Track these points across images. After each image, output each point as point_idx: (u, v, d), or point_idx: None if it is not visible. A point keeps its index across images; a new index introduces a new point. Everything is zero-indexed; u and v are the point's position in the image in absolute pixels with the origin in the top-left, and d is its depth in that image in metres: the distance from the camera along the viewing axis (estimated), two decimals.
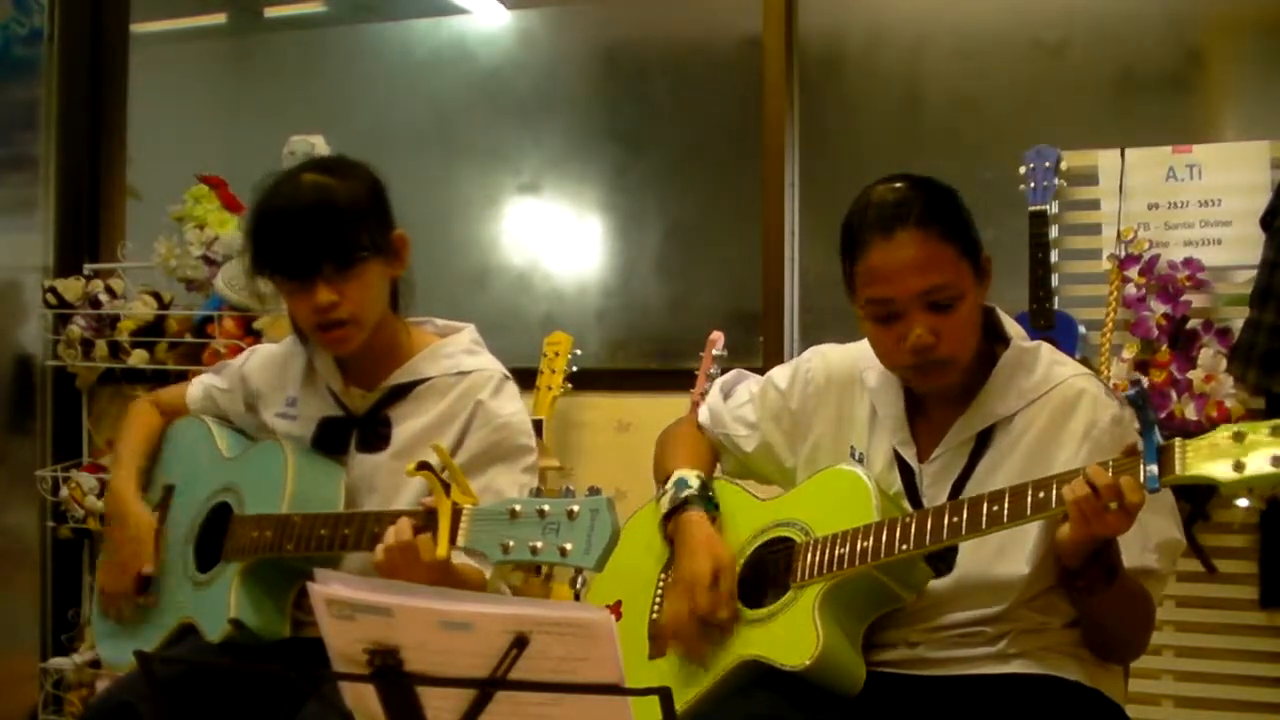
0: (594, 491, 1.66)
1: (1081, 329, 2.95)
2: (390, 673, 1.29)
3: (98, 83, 4.08)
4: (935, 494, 1.90)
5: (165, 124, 4.16)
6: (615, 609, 2.06)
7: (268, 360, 2.28)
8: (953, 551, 1.86)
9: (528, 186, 3.88)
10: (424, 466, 1.79)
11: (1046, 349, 1.96)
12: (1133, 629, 1.90)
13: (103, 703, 2.04)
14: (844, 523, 1.85)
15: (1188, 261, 2.88)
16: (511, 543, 1.69)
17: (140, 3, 4.16)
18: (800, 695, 1.81)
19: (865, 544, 1.82)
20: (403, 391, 2.14)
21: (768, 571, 1.94)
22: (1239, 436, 1.57)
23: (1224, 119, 3.30)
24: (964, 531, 1.76)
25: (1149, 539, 1.82)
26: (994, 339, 1.94)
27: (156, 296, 3.65)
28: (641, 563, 2.08)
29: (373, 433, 2.14)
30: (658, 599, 2.04)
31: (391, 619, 1.27)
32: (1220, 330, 2.83)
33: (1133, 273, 2.90)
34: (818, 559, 1.86)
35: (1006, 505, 1.72)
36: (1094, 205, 3.02)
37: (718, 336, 3.15)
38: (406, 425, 2.12)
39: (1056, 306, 2.96)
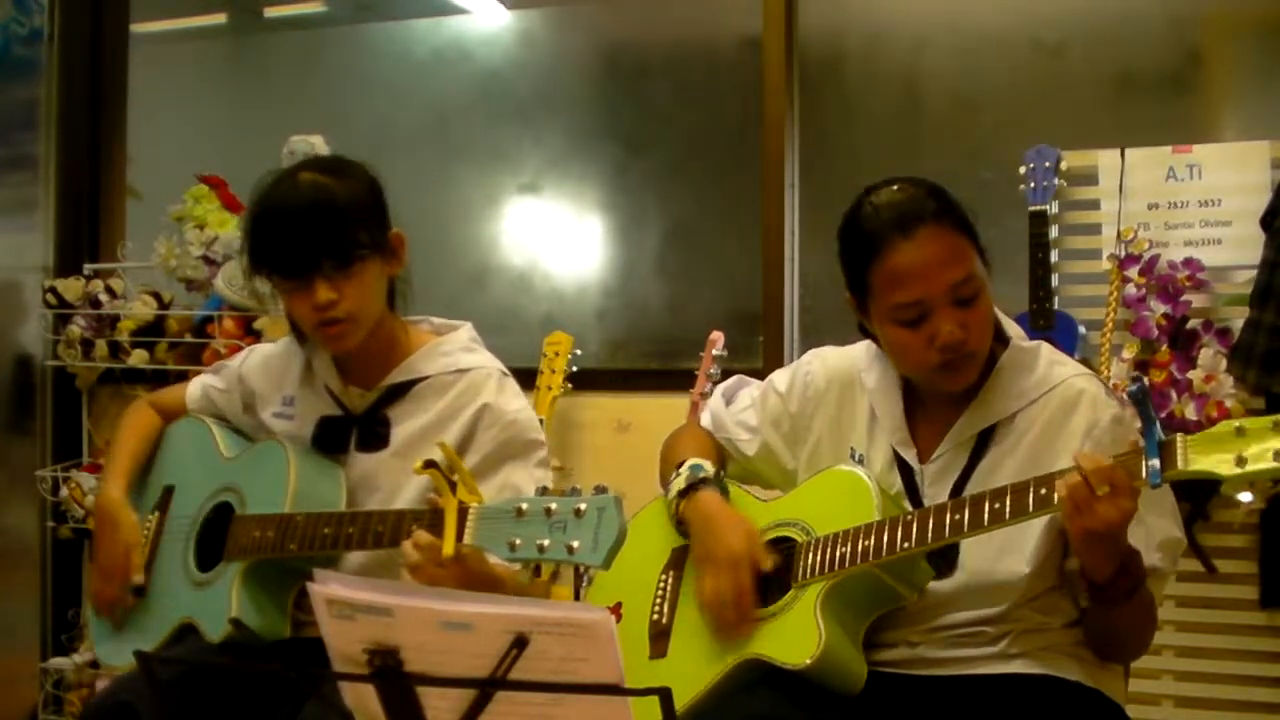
0: (600, 490, 1.66)
1: (1081, 329, 2.95)
2: (390, 673, 1.29)
3: (98, 83, 4.08)
4: (936, 494, 1.90)
5: (165, 124, 4.16)
6: (615, 610, 2.06)
7: (265, 360, 2.28)
8: (955, 553, 1.86)
9: (528, 186, 3.88)
10: (430, 465, 1.79)
11: (1046, 349, 1.96)
12: (1141, 632, 1.90)
13: (102, 702, 2.03)
14: (845, 522, 1.86)
15: (1188, 261, 2.88)
16: (518, 541, 1.69)
17: (140, 3, 4.16)
18: (801, 694, 1.80)
19: (867, 543, 1.82)
20: (401, 390, 2.14)
21: (769, 571, 1.94)
22: (1241, 431, 1.57)
23: (1224, 119, 3.30)
24: (966, 529, 1.76)
25: (1152, 537, 1.82)
26: (994, 339, 1.94)
27: (156, 296, 3.65)
28: (641, 564, 2.08)
29: (372, 432, 2.14)
30: (658, 599, 2.04)
31: (391, 619, 1.27)
32: (1220, 330, 2.84)
33: (1133, 273, 2.90)
34: (819, 558, 1.86)
35: (1008, 502, 1.72)
36: (1094, 205, 3.02)
37: (718, 336, 3.15)
38: (406, 424, 2.12)
39: (1056, 306, 2.96)
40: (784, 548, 1.94)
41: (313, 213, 2.01)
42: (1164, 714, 2.91)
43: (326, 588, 1.30)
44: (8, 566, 3.87)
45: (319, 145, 3.29)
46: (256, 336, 3.38)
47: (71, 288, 3.70)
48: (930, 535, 1.78)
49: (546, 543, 1.67)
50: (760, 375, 2.23)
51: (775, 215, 3.42)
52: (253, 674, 2.05)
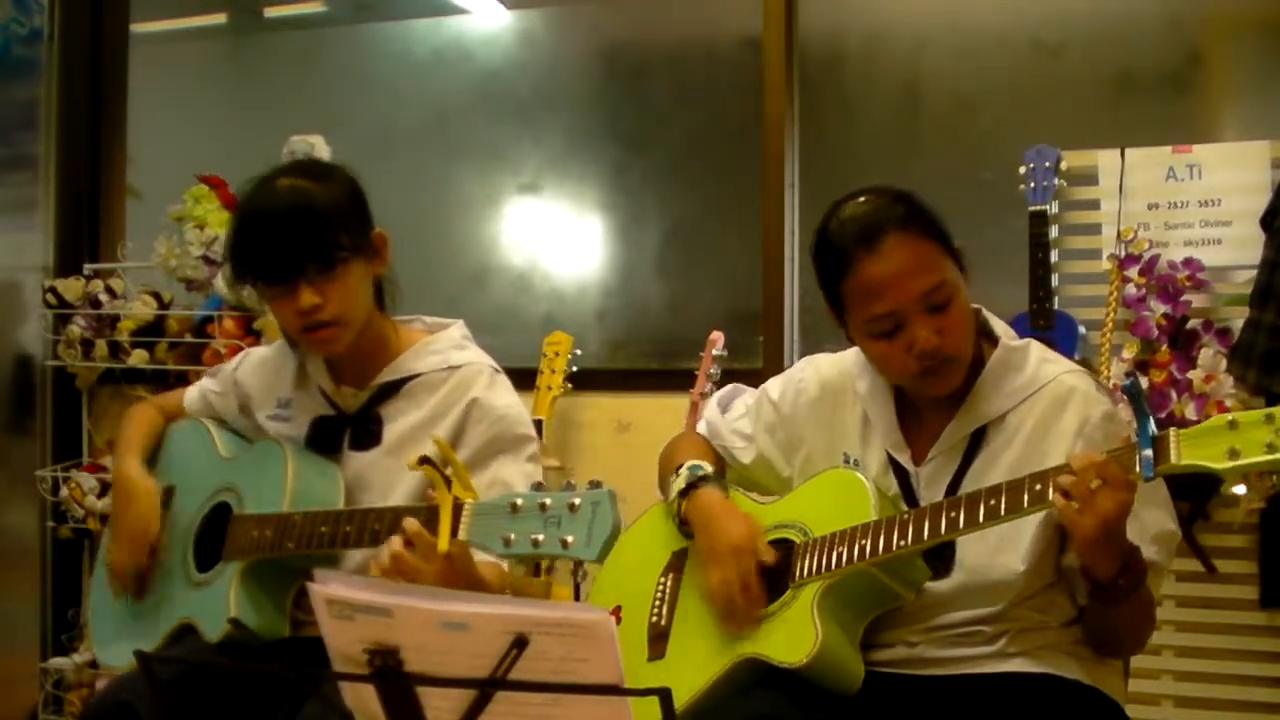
0: (595, 485, 1.66)
1: (1081, 329, 2.95)
2: (390, 673, 1.29)
3: (98, 83, 4.08)
4: (931, 496, 1.90)
5: (165, 124, 4.16)
6: (615, 614, 2.06)
7: (260, 363, 2.29)
8: (952, 552, 1.87)
9: (528, 186, 3.88)
10: (425, 461, 1.79)
11: (1036, 347, 1.96)
12: (1140, 629, 1.90)
13: (102, 702, 2.04)
14: (843, 523, 1.86)
15: (1188, 261, 2.88)
16: (513, 536, 1.69)
17: (140, 3, 4.16)
18: (799, 694, 1.81)
19: (863, 543, 1.82)
20: (393, 389, 2.15)
21: (768, 573, 1.94)
22: (1233, 425, 1.57)
23: (1224, 119, 3.30)
24: (962, 526, 1.76)
25: (1146, 532, 1.82)
26: (983, 340, 1.95)
27: (156, 296, 3.65)
28: (641, 568, 2.09)
29: (364, 431, 2.14)
30: (657, 601, 2.04)
31: (391, 619, 1.27)
32: (1220, 330, 2.84)
33: (1133, 273, 2.90)
34: (816, 558, 1.86)
35: (1004, 499, 1.73)
36: (1094, 205, 3.02)
37: (718, 336, 3.15)
38: (398, 422, 2.13)
39: (1056, 306, 2.96)
40: (782, 549, 1.94)
41: (293, 217, 2.02)
42: (1164, 714, 2.91)
43: (326, 588, 1.30)
44: (8, 566, 3.87)
45: (319, 145, 3.29)
46: (257, 336, 3.38)
47: (71, 288, 3.70)
48: (926, 534, 1.78)
49: (541, 537, 1.67)
50: (760, 375, 2.24)
51: (775, 215, 3.42)
52: (252, 674, 2.05)
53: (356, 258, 2.06)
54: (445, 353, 2.17)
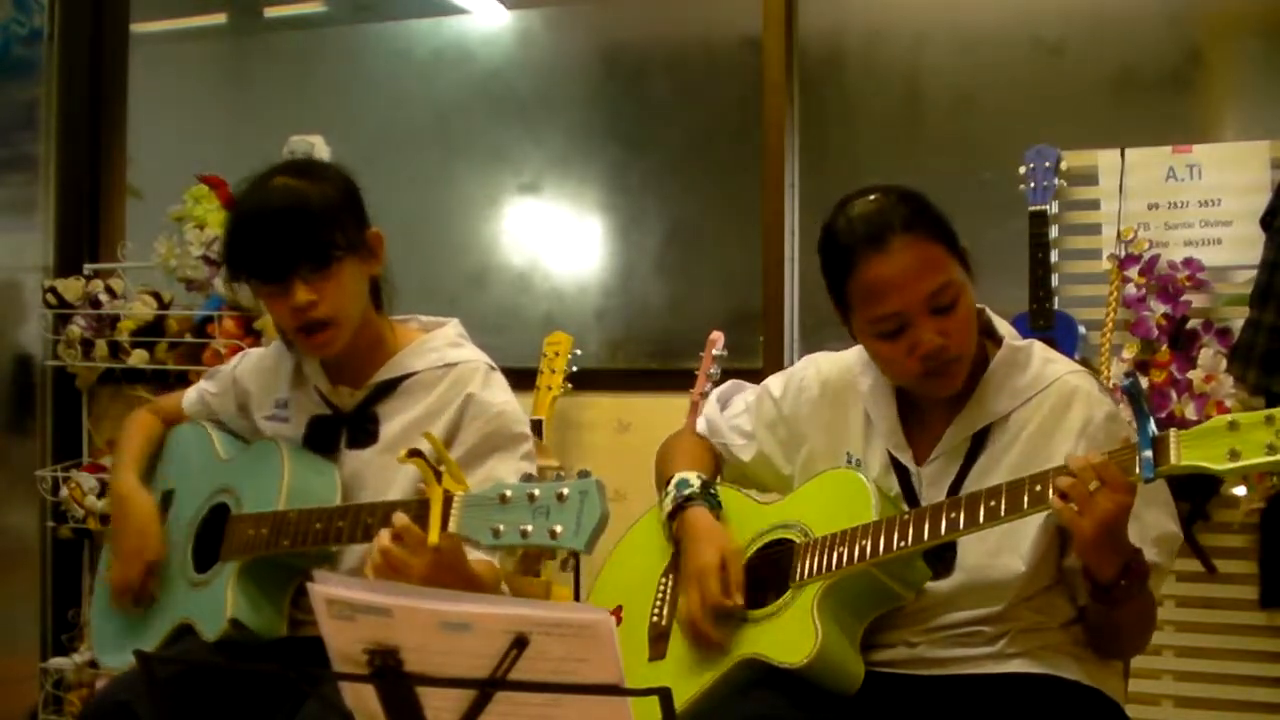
0: (584, 474, 1.66)
1: (1081, 329, 2.95)
2: (390, 673, 1.29)
3: (98, 83, 4.08)
4: (933, 496, 1.90)
5: (165, 124, 4.16)
6: (616, 614, 2.06)
7: (258, 363, 2.29)
8: (952, 553, 1.87)
9: (528, 186, 3.88)
10: (415, 454, 1.79)
11: (1039, 347, 1.96)
12: (1141, 630, 1.90)
13: (102, 702, 2.04)
14: (843, 523, 1.86)
15: (1188, 261, 2.88)
16: (502, 527, 1.70)
17: (140, 3, 4.17)
18: (800, 694, 1.81)
19: (864, 543, 1.82)
20: (390, 387, 2.15)
21: (768, 573, 1.94)
22: (1233, 425, 1.57)
23: (1224, 119, 3.30)
24: (962, 527, 1.76)
25: (1147, 533, 1.82)
26: (986, 339, 1.94)
27: (156, 296, 3.65)
28: (642, 568, 2.09)
29: (361, 429, 2.15)
30: (658, 602, 2.04)
31: (391, 619, 1.27)
32: (1220, 330, 2.84)
33: (1133, 273, 2.90)
34: (816, 559, 1.86)
35: (1004, 500, 1.73)
36: (1094, 205, 3.02)
37: (718, 336, 3.15)
38: (394, 420, 2.13)
39: (1056, 306, 2.96)
40: (783, 549, 1.94)
41: (286, 216, 2.02)
42: (1164, 714, 2.91)
43: (326, 588, 1.30)
44: (8, 566, 3.87)
45: (319, 145, 3.29)
46: (257, 336, 3.38)
47: (71, 288, 3.70)
48: (926, 534, 1.78)
49: (530, 528, 1.67)
50: (760, 375, 2.23)
51: (775, 215, 3.42)
52: (252, 674, 2.05)
53: (351, 256, 2.06)
54: (441, 350, 2.17)
